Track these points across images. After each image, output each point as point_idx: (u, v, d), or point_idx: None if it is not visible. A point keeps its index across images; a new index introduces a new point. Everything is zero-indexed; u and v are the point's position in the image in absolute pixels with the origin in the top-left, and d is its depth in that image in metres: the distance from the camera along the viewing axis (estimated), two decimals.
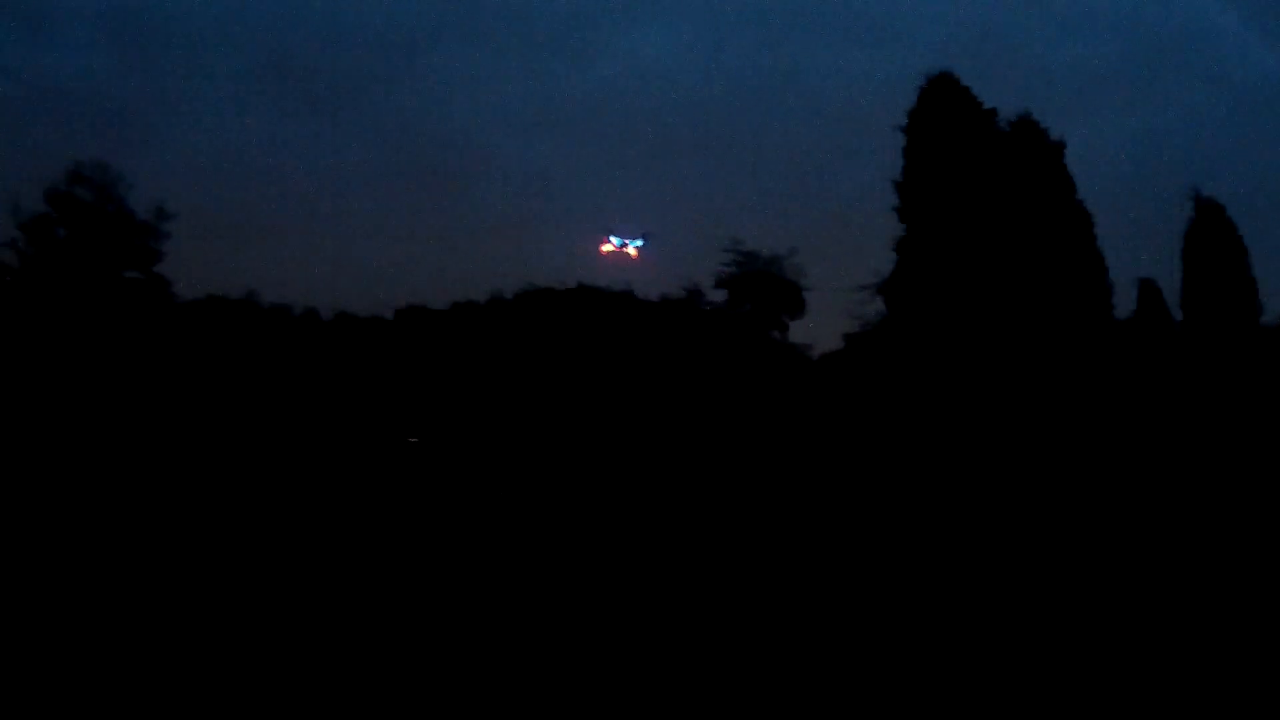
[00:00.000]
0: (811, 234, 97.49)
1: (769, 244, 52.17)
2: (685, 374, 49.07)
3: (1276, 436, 27.17)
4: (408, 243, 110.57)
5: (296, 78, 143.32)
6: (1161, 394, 30.55)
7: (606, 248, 49.88)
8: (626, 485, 30.53)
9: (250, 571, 15.71)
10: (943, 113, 33.85)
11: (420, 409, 50.12)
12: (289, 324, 45.94)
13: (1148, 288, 36.33)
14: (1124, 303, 35.49)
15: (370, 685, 9.69)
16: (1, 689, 9.53)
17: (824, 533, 19.09)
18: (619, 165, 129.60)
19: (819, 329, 58.50)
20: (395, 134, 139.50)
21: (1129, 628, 11.02)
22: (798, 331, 52.55)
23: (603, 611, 12.61)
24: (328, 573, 15.46)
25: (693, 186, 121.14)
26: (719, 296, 52.92)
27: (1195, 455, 27.07)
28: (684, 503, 25.26)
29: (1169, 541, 16.64)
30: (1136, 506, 22.26)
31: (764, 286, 51.32)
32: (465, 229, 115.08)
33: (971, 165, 33.39)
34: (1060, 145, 33.28)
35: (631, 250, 49.18)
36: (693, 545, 17.50)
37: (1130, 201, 71.03)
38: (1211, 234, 34.19)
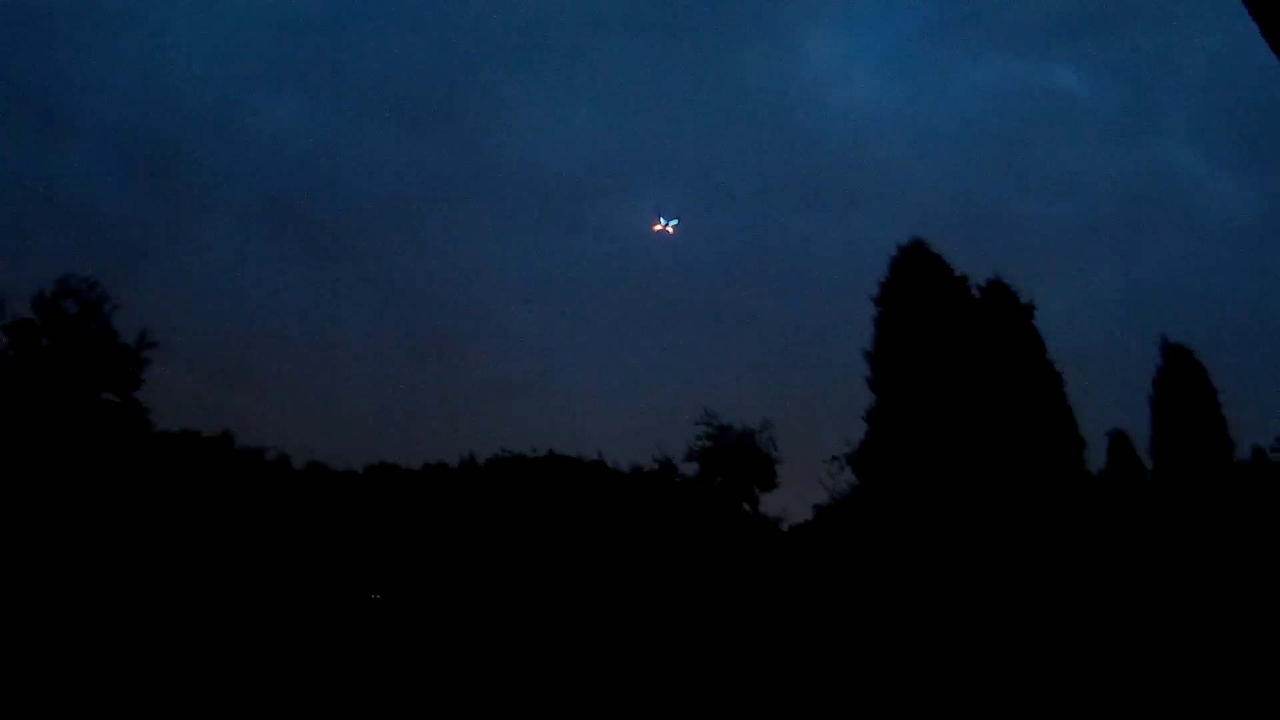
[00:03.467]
0: (790, 402, 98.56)
1: (743, 415, 52.99)
2: (654, 546, 48.78)
3: (1251, 571, 27.26)
4: (389, 398, 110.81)
5: (299, 223, 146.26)
6: (1135, 544, 30.66)
7: (656, 227, 61.74)
8: (588, 655, 29.84)
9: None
10: (914, 281, 35.01)
11: (384, 566, 49.27)
12: (260, 468, 45.65)
13: (1119, 440, 36.92)
14: (1099, 456, 36.01)
15: None
16: None
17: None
18: (602, 332, 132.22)
19: (792, 500, 58.92)
20: (388, 290, 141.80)
21: None
22: (770, 503, 52.71)
23: None
24: None
25: (673, 353, 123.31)
26: (691, 469, 53.25)
27: (1174, 603, 27.04)
28: (645, 672, 24.66)
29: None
30: (1119, 665, 22.02)
31: (736, 460, 51.81)
32: (448, 389, 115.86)
33: (942, 333, 34.26)
34: (1030, 307, 34.38)
35: (670, 228, 61.07)
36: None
37: (1112, 352, 73.26)
38: (1180, 379, 34.98)
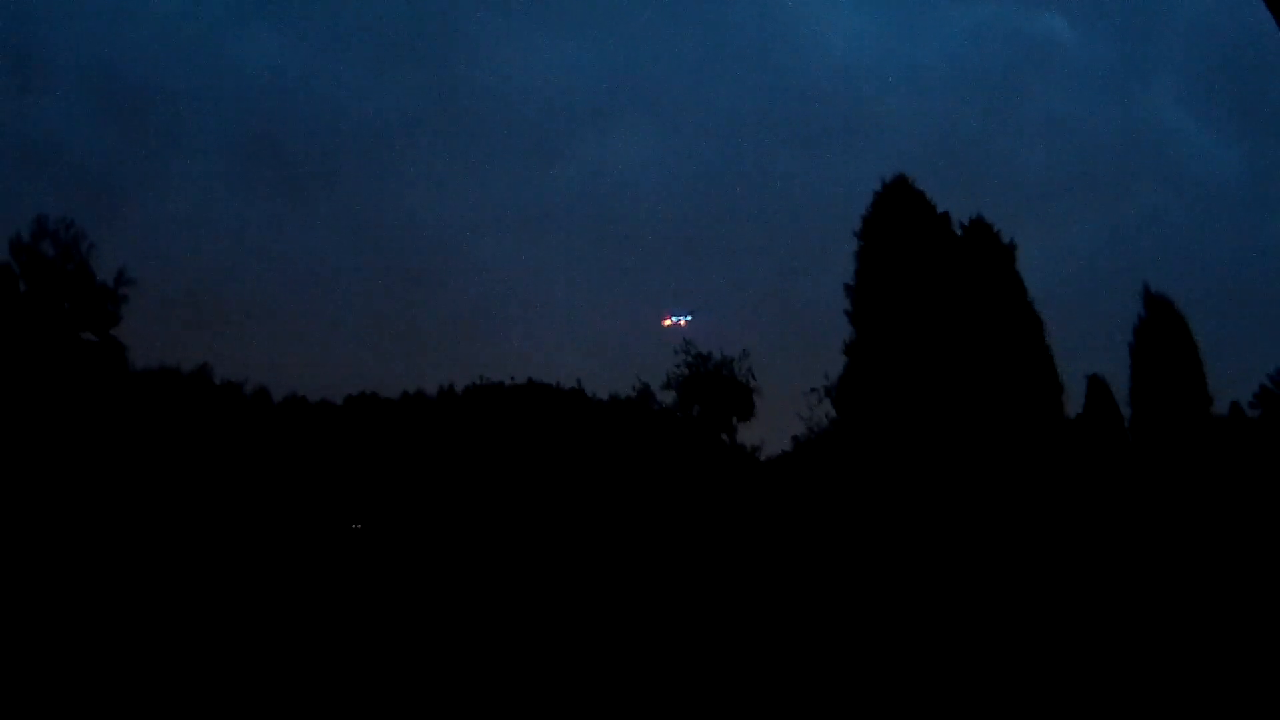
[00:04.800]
0: (769, 334, 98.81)
1: (722, 346, 52.97)
2: (632, 472, 49.24)
3: (1221, 521, 27.93)
4: (367, 331, 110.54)
5: (275, 158, 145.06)
6: (1110, 487, 31.22)
7: (667, 322, 57.54)
8: (567, 579, 30.07)
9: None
10: (896, 217, 34.94)
11: (364, 495, 49.62)
12: (239, 402, 45.56)
13: (1096, 384, 37.27)
14: (1076, 400, 36.42)
15: None
16: None
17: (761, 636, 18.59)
18: (579, 263, 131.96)
19: (770, 431, 59.53)
20: (365, 223, 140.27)
21: None
22: (748, 433, 53.11)
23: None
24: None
25: (650, 285, 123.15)
26: (669, 397, 53.50)
27: (1145, 546, 27.63)
28: (616, 597, 24.86)
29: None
30: (1085, 604, 22.48)
31: (714, 389, 52.03)
32: (426, 321, 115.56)
33: (923, 268, 34.28)
34: (1012, 248, 34.45)
35: (682, 323, 56.65)
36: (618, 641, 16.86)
37: (1092, 301, 74.13)
38: (1161, 329, 35.28)
